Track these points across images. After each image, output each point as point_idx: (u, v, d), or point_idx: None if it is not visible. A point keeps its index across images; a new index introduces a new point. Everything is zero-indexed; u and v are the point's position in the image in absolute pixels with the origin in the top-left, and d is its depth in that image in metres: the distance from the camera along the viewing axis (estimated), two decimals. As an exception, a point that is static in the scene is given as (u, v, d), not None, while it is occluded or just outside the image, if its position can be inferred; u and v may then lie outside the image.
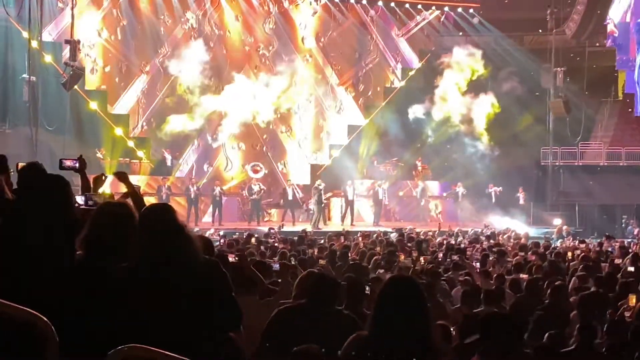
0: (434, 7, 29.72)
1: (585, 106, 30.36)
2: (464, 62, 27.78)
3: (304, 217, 25.81)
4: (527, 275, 9.91)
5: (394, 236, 17.73)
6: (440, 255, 12.94)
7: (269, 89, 26.90)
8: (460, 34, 29.71)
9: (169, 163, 25.84)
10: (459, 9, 29.92)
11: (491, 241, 17.21)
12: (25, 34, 21.96)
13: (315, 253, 12.32)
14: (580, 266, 10.92)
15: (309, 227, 21.84)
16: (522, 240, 17.99)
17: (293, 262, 10.15)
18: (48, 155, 19.54)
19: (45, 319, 2.74)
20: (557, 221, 25.35)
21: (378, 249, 13.51)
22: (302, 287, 5.03)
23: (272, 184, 27.30)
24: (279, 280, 8.25)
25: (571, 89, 29.10)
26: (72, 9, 22.30)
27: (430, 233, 19.86)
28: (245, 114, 27.14)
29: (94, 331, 3.19)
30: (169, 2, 26.49)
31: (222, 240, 15.01)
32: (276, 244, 14.84)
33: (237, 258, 9.02)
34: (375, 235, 17.55)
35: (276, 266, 9.01)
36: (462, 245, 15.42)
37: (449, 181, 28.29)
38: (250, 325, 5.38)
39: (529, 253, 14.05)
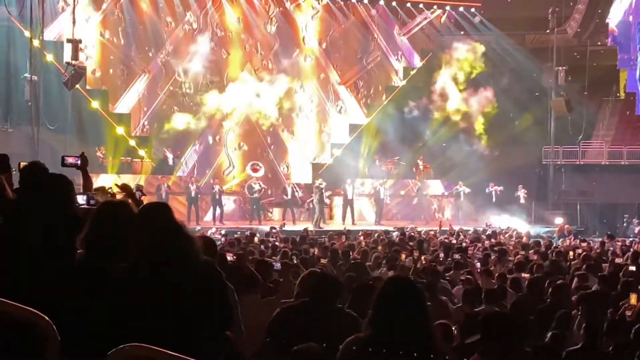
0: (435, 7, 29.70)
1: (586, 105, 30.35)
2: (464, 57, 27.86)
3: (305, 217, 25.81)
4: (528, 275, 9.91)
5: (395, 235, 17.73)
6: (442, 254, 12.92)
7: (270, 89, 26.94)
8: (462, 33, 29.68)
9: (170, 162, 25.85)
10: (461, 8, 29.91)
11: (492, 240, 17.20)
12: (27, 33, 21.96)
13: (317, 252, 12.32)
14: (583, 265, 10.92)
15: (310, 226, 21.84)
16: (524, 239, 17.97)
17: (295, 261, 10.16)
18: (50, 154, 19.50)
19: (47, 318, 2.75)
20: (559, 220, 25.33)
21: (380, 248, 13.51)
22: (304, 286, 5.03)
23: (273, 183, 27.29)
24: (280, 280, 8.27)
25: (573, 88, 29.09)
26: (74, 8, 22.29)
27: (432, 232, 19.85)
28: (247, 114, 27.21)
29: (94, 331, 3.19)
30: (170, 2, 26.48)
31: (223, 239, 15.02)
32: (277, 243, 14.85)
33: (235, 257, 9.03)
34: (376, 235, 17.55)
35: (277, 265, 9.02)
36: (464, 245, 15.40)
37: (450, 180, 28.27)
38: (251, 323, 5.39)
39: (531, 252, 14.05)
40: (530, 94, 29.48)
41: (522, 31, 31.20)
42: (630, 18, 29.85)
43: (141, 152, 25.60)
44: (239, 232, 18.72)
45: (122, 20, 26.04)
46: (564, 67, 27.66)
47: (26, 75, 22.35)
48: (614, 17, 29.94)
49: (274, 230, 18.74)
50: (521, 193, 26.98)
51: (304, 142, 28.68)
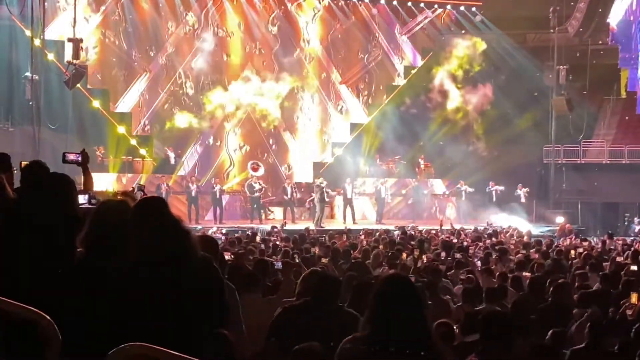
0: (436, 6, 29.69)
1: (587, 104, 30.35)
2: (464, 54, 27.92)
3: (306, 216, 25.81)
4: (529, 273, 9.90)
5: (396, 234, 17.72)
6: (443, 253, 12.92)
7: (271, 88, 26.97)
8: (463, 32, 29.70)
9: (172, 161, 25.85)
10: (462, 7, 29.90)
11: (493, 239, 17.18)
12: (28, 33, 21.97)
13: (318, 251, 12.32)
14: (585, 265, 10.91)
15: (311, 225, 21.84)
16: (525, 239, 17.96)
17: (297, 260, 10.16)
18: (51, 153, 19.53)
19: (48, 317, 2.76)
20: (560, 219, 25.33)
21: (381, 247, 13.51)
22: (306, 285, 5.04)
23: (274, 182, 27.29)
24: (281, 279, 8.27)
25: (573, 87, 29.09)
26: (75, 7, 22.30)
27: (434, 231, 19.84)
28: (248, 113, 27.23)
29: (94, 330, 3.19)
30: (171, 1, 26.48)
31: (223, 238, 15.01)
32: (277, 242, 14.84)
33: (233, 256, 9.02)
34: (378, 234, 17.55)
35: (278, 264, 9.02)
36: (465, 244, 15.39)
37: (451, 179, 28.27)
38: (253, 323, 5.40)
39: (532, 251, 14.04)
40: (531, 93, 29.49)
41: (523, 30, 31.19)
42: (631, 17, 29.82)
43: (142, 152, 25.60)
44: (239, 232, 18.72)
45: (123, 19, 26.05)
46: (565, 66, 27.64)
47: (27, 74, 22.37)
48: (615, 16, 29.92)
49: (275, 230, 18.73)
50: (522, 192, 26.96)
51: (305, 141, 28.69)
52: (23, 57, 23.05)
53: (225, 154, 27.62)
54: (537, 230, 23.28)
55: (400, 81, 29.83)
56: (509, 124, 28.13)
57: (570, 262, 12.37)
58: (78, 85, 22.28)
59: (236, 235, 16.47)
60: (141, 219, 3.56)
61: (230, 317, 4.33)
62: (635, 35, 29.74)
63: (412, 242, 14.65)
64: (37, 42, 22.01)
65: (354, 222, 24.56)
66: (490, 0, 29.18)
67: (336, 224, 24.15)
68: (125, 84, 26.27)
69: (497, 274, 10.00)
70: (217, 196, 24.45)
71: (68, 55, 21.97)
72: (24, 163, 5.05)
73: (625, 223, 28.14)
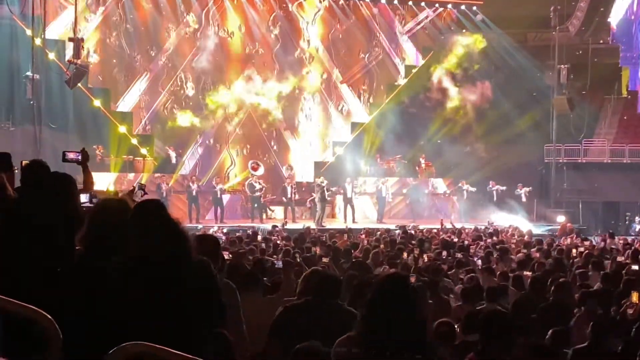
0: (437, 5, 29.67)
1: (588, 103, 30.35)
2: (464, 51, 27.98)
3: (307, 215, 25.82)
4: (530, 273, 9.90)
5: (397, 233, 17.72)
6: (445, 252, 12.92)
7: (272, 88, 26.99)
8: (464, 31, 29.69)
9: (173, 160, 25.87)
10: (462, 6, 29.88)
11: (494, 238, 17.18)
12: (28, 32, 21.97)
13: (319, 250, 12.32)
14: (587, 264, 10.90)
15: (312, 224, 21.85)
16: (526, 238, 17.95)
17: (298, 260, 10.16)
18: (51, 153, 19.55)
19: (50, 316, 2.76)
20: (561, 218, 25.32)
21: (382, 246, 13.51)
22: (307, 285, 5.04)
23: (275, 182, 27.28)
24: (282, 278, 8.26)
25: (574, 86, 29.08)
26: (76, 6, 22.30)
27: (435, 230, 19.84)
28: (249, 113, 27.24)
29: (93, 330, 3.19)
30: (172, 1, 26.48)
31: (224, 238, 15.01)
32: (278, 242, 14.85)
33: (231, 255, 9.02)
34: (379, 233, 17.55)
35: (279, 263, 9.02)
36: (465, 243, 15.40)
37: (453, 178, 28.26)
38: (253, 322, 5.40)
39: (533, 250, 14.03)
40: (532, 92, 29.49)
41: (523, 29, 31.18)
42: (632, 16, 29.81)
43: (143, 151, 25.61)
44: (240, 231, 18.72)
45: (124, 19, 26.05)
46: (566, 65, 27.62)
47: (28, 74, 22.37)
48: (616, 15, 29.90)
49: (276, 229, 18.74)
50: (523, 191, 26.96)
51: (306, 141, 28.68)
52: (24, 57, 23.05)
53: (226, 154, 27.62)
54: (537, 229, 23.27)
55: (401, 80, 29.81)
56: (509, 123, 28.11)
57: (571, 261, 12.38)
58: (79, 84, 22.27)
59: (237, 234, 16.47)
60: (141, 219, 3.56)
61: (231, 317, 4.33)
62: (636, 34, 29.73)
63: (413, 242, 14.66)
64: (38, 41, 21.99)
65: (354, 222, 24.56)
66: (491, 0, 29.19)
67: (337, 224, 24.14)
68: (126, 84, 26.28)
69: (498, 273, 10.00)
70: (218, 195, 24.45)
71: (69, 54, 21.99)
72: (24, 162, 5.04)
73: (626, 222, 28.12)
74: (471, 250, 14.10)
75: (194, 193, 24.16)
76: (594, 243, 17.19)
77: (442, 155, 28.72)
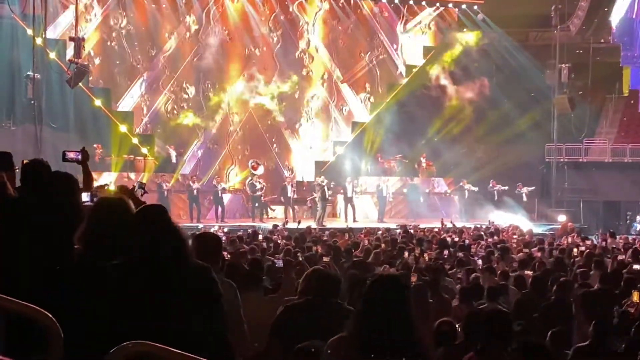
0: (438, 4, 29.66)
1: (589, 103, 30.34)
2: (465, 49, 28.02)
3: (308, 215, 25.84)
4: (531, 272, 9.90)
5: (397, 233, 17.72)
6: (446, 252, 12.92)
7: (273, 88, 26.99)
8: (465, 30, 29.70)
9: (173, 159, 25.87)
10: (463, 6, 29.87)
11: (495, 238, 17.18)
12: (29, 32, 21.96)
13: (320, 250, 12.33)
14: (590, 263, 10.89)
15: (313, 224, 21.85)
16: (526, 237, 17.94)
17: (300, 259, 10.16)
18: (52, 152, 19.55)
19: (51, 316, 2.76)
20: (562, 218, 25.31)
21: (383, 246, 13.51)
22: (307, 284, 5.04)
23: (276, 181, 27.28)
24: (281, 276, 8.26)
25: (576, 85, 29.07)
26: (76, 6, 22.29)
27: (436, 229, 19.84)
28: (250, 113, 27.25)
29: (93, 330, 3.19)
30: (172, 0, 26.47)
31: (224, 237, 15.00)
32: (279, 241, 14.85)
33: (230, 255, 9.03)
34: (380, 233, 17.55)
35: (279, 263, 9.02)
36: (466, 242, 15.39)
37: (454, 178, 28.26)
38: (254, 321, 5.39)
39: (534, 249, 14.03)
40: (533, 91, 29.48)
41: (524, 29, 31.18)
42: (634, 15, 29.80)
43: (144, 150, 25.61)
44: (241, 230, 18.73)
45: (125, 18, 26.02)
46: (567, 65, 27.63)
47: (29, 73, 22.35)
48: (617, 15, 29.89)
49: (277, 228, 18.75)
50: (524, 191, 26.95)
51: (307, 140, 28.68)
52: (25, 56, 23.03)
53: (227, 153, 27.61)
54: (538, 228, 23.27)
55: (401, 80, 29.80)
56: (510, 122, 28.11)
57: (572, 260, 12.37)
58: (80, 84, 22.27)
59: (238, 234, 16.48)
60: (143, 221, 3.57)
61: (232, 316, 4.33)
62: (637, 34, 29.73)
63: (414, 241, 14.65)
64: (38, 41, 21.97)
65: (355, 221, 24.57)
66: (492, -1, 29.21)
67: (338, 223, 24.14)
68: (126, 83, 26.26)
69: (499, 272, 9.99)
70: (219, 195, 24.45)
71: (70, 54, 21.98)
72: (25, 161, 5.04)
73: (627, 222, 28.12)
74: (472, 250, 14.09)
75: (194, 192, 24.16)
76: (595, 242, 17.17)
77: (443, 155, 28.71)
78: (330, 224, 23.65)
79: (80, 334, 3.07)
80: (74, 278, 3.45)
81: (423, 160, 28.42)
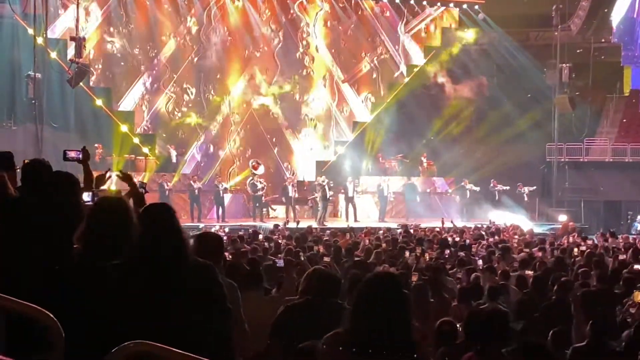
0: (439, 4, 29.65)
1: (590, 102, 30.32)
2: (465, 48, 28.06)
3: (309, 214, 25.84)
4: (532, 272, 9.89)
5: (398, 232, 17.72)
6: (447, 252, 12.91)
7: (274, 88, 26.99)
8: (465, 30, 29.70)
9: (174, 159, 25.87)
10: (464, 6, 29.86)
11: (496, 237, 17.17)
12: (30, 31, 21.96)
13: (322, 250, 12.33)
14: (590, 263, 10.89)
15: (314, 224, 21.85)
16: (527, 237, 17.93)
17: (302, 259, 10.16)
18: (53, 152, 19.55)
19: (52, 315, 2.76)
20: (562, 217, 25.30)
21: (384, 245, 13.50)
22: (308, 284, 5.04)
23: (277, 181, 27.28)
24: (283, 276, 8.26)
25: (576, 85, 29.07)
26: (77, 6, 22.29)
27: (437, 229, 19.82)
28: (251, 112, 27.25)
29: (94, 330, 3.19)
30: (173, 0, 26.47)
31: (225, 237, 14.99)
32: (280, 241, 14.84)
33: (231, 256, 9.02)
34: (381, 232, 17.54)
35: (280, 262, 9.02)
36: (467, 242, 15.39)
37: (455, 177, 28.26)
38: (255, 320, 5.40)
39: (535, 249, 14.02)
40: (534, 91, 29.47)
41: (525, 28, 31.17)
42: (634, 15, 29.78)
43: (145, 150, 25.61)
44: (242, 230, 18.73)
45: (126, 18, 26.02)
46: (567, 64, 27.62)
47: (30, 73, 22.36)
48: (618, 14, 29.87)
49: (278, 228, 18.75)
50: (524, 190, 26.94)
51: (308, 140, 28.68)
52: (25, 56, 23.03)
53: (228, 153, 27.61)
54: (539, 228, 23.26)
55: (402, 80, 29.79)
56: (511, 122, 28.10)
57: (572, 260, 12.37)
58: (81, 83, 22.27)
59: (239, 233, 16.48)
60: (144, 219, 3.57)
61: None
62: (638, 33, 29.71)
63: (414, 241, 14.65)
64: (39, 40, 21.97)
65: (356, 221, 24.57)
66: (493, -2, 29.21)
67: (339, 223, 24.14)
68: (127, 83, 26.26)
69: (500, 272, 9.99)
70: (220, 195, 24.45)
71: (71, 53, 21.98)
72: (26, 161, 5.05)
73: (628, 221, 28.10)
74: (473, 249, 14.09)
75: (196, 192, 24.16)
76: (596, 242, 17.16)
77: (444, 154, 28.71)
78: (331, 223, 23.64)
79: (81, 333, 3.07)
80: (74, 278, 3.45)
81: (424, 160, 28.42)
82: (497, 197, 26.50)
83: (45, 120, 23.19)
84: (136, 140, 25.52)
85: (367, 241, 15.13)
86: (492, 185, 26.76)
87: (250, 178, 25.53)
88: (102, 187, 6.08)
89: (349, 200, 25.60)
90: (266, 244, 13.76)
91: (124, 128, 25.10)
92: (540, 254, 12.94)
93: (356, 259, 10.95)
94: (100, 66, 25.84)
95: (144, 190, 5.96)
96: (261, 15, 27.71)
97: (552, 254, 13.08)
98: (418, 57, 30.01)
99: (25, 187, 4.50)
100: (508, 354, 4.49)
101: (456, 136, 29.06)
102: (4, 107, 24.53)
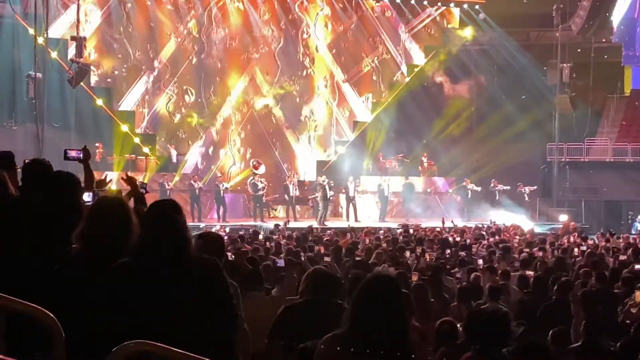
0: (439, 4, 29.64)
1: (591, 102, 30.31)
2: (464, 47, 28.09)
3: (310, 214, 25.84)
4: (532, 272, 9.89)
5: (398, 232, 17.72)
6: (448, 251, 12.91)
7: (275, 88, 26.99)
8: (465, 30, 29.69)
9: (174, 159, 25.88)
10: (465, 5, 29.85)
11: (496, 237, 17.17)
12: (31, 31, 21.96)
13: (322, 250, 12.33)
14: (590, 263, 10.89)
15: (314, 223, 21.86)
16: (527, 237, 17.93)
17: (303, 259, 10.16)
18: (54, 151, 19.54)
19: (52, 315, 2.76)
20: (563, 217, 25.30)
21: (384, 245, 13.50)
22: (308, 284, 5.05)
23: (277, 181, 27.28)
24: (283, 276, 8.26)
25: (577, 84, 29.05)
26: (78, 6, 22.30)
27: (438, 229, 19.81)
28: (252, 112, 27.24)
29: (94, 329, 3.19)
30: (174, 0, 26.48)
31: (226, 237, 15.00)
32: (280, 241, 14.84)
33: (233, 256, 9.02)
34: (381, 232, 17.54)
35: (280, 262, 9.02)
36: (468, 242, 15.38)
37: (455, 177, 28.26)
38: (255, 320, 5.40)
39: (535, 249, 14.01)
40: (534, 91, 29.46)
41: (526, 28, 31.16)
42: (635, 15, 29.79)
43: (145, 150, 25.60)
44: (243, 230, 18.73)
45: (126, 18, 26.01)
46: (568, 64, 27.62)
47: (30, 72, 22.37)
48: (619, 14, 29.87)
49: (278, 228, 18.75)
50: (525, 190, 26.94)
51: (308, 140, 28.68)
52: (26, 56, 23.04)
53: (228, 153, 27.61)
54: (540, 228, 23.25)
55: (403, 79, 29.79)
56: (511, 122, 28.10)
57: (573, 260, 12.36)
58: (81, 83, 22.27)
59: (240, 233, 16.48)
60: (147, 217, 3.57)
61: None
62: (639, 33, 29.70)
63: (415, 240, 14.66)
64: (40, 40, 21.98)
65: (357, 220, 24.57)
66: (494, -2, 29.20)
67: (339, 222, 24.14)
68: (128, 83, 26.26)
69: (500, 271, 9.99)
70: (221, 194, 24.45)
71: (71, 53, 21.98)
72: (26, 161, 5.05)
73: (629, 221, 28.10)
74: (473, 249, 14.08)
75: (196, 192, 24.17)
76: (596, 242, 17.16)
77: (444, 154, 28.71)
78: (332, 223, 23.64)
79: (81, 333, 3.08)
80: (74, 277, 3.45)
81: (424, 160, 28.42)
82: (497, 197, 26.49)
83: (46, 120, 23.20)
84: (137, 140, 25.52)
85: (367, 241, 15.14)
86: (492, 185, 26.75)
87: (251, 178, 25.51)
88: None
89: (350, 200, 25.60)
90: (267, 243, 13.76)
91: (124, 128, 25.09)
92: (540, 253, 12.94)
93: (357, 259, 10.94)
94: (101, 66, 25.83)
95: (144, 191, 5.96)
96: (261, 15, 27.70)
97: (552, 254, 13.08)
98: (418, 57, 30.01)
99: (26, 187, 4.50)
100: (508, 354, 4.49)
101: (457, 136, 29.05)
102: (5, 107, 24.54)
